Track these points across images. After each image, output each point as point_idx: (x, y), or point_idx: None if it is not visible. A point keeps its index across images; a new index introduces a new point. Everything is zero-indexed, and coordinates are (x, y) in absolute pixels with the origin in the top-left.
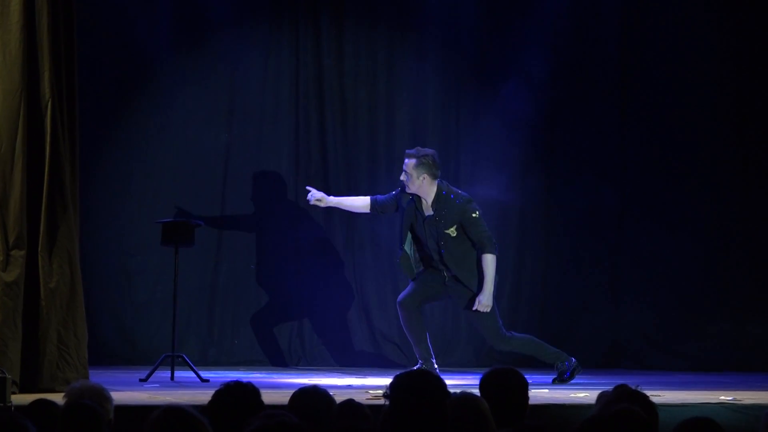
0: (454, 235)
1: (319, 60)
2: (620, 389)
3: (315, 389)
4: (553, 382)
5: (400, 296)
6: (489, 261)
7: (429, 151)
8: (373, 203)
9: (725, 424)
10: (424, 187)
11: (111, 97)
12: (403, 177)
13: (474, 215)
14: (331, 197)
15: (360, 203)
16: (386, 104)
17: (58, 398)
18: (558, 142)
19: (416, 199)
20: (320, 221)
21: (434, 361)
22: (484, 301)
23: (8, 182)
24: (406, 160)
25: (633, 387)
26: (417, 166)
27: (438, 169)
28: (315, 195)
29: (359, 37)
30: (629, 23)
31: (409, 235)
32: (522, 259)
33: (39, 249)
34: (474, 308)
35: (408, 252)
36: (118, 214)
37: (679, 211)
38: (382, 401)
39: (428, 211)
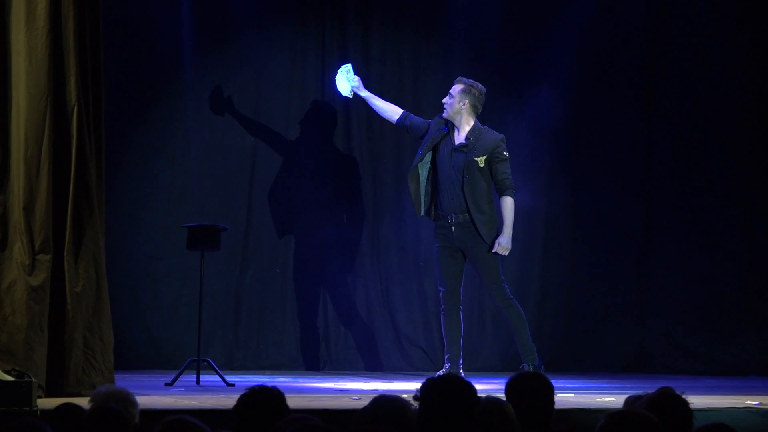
0: (482, 165)
1: (346, 63)
2: (663, 391)
3: (397, 397)
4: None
5: (442, 289)
6: (510, 204)
7: (480, 86)
8: (404, 115)
9: (751, 429)
10: (462, 113)
11: (136, 100)
12: (445, 99)
13: (505, 153)
14: (365, 90)
15: (391, 108)
16: (412, 109)
17: (83, 402)
18: (584, 150)
19: (450, 128)
20: (346, 225)
21: (462, 363)
22: (504, 244)
23: (34, 186)
24: (455, 84)
25: (677, 393)
26: (462, 91)
27: (481, 105)
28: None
29: (385, 42)
30: (655, 31)
31: (426, 173)
32: (548, 265)
33: (65, 253)
34: (494, 250)
35: (422, 181)
36: (144, 218)
37: (705, 218)
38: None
39: (460, 140)
